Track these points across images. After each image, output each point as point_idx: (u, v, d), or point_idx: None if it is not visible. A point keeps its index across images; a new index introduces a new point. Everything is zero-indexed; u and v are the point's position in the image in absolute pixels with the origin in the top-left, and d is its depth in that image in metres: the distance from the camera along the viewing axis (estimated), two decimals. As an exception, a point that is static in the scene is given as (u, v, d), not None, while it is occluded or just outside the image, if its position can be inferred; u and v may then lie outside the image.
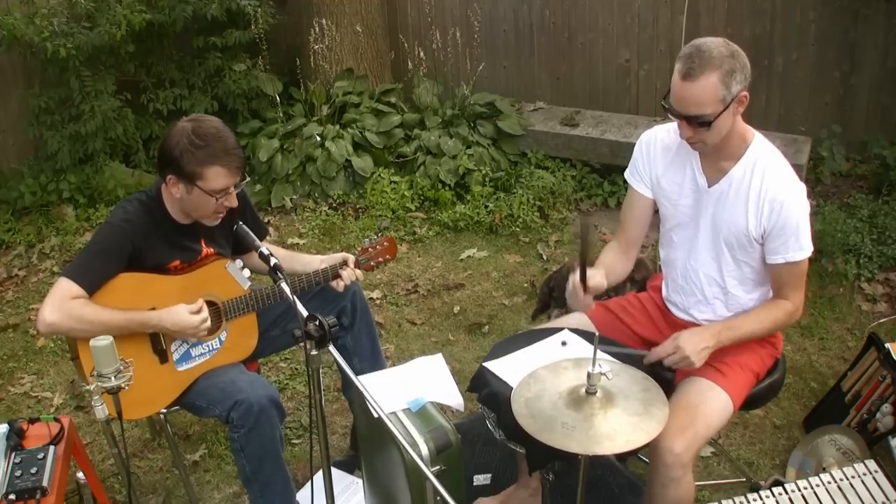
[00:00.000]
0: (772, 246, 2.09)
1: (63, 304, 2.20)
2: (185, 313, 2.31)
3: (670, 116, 2.05)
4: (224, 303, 2.45)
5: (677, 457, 2.00)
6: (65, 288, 2.22)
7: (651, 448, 2.06)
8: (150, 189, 2.41)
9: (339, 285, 2.57)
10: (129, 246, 2.30)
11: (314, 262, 2.61)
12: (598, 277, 2.19)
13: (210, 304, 2.44)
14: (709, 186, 2.16)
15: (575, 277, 2.17)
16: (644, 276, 2.94)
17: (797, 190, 2.06)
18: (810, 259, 2.14)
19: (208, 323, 2.36)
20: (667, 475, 2.02)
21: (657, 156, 2.27)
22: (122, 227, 2.30)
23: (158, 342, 2.35)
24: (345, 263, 2.56)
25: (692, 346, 2.05)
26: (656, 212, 2.35)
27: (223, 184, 2.29)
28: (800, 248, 2.07)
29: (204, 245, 2.47)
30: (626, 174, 2.37)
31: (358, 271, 2.58)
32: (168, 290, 2.36)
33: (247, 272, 2.45)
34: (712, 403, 2.11)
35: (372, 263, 2.68)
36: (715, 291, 2.24)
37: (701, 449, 2.12)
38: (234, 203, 2.37)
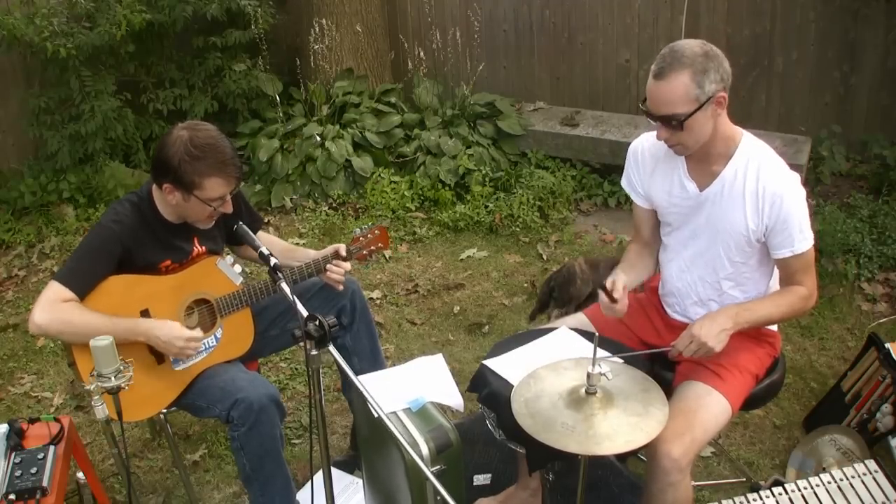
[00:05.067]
0: (776, 241, 2.08)
1: (52, 306, 2.20)
2: (178, 327, 2.30)
3: (648, 120, 2.05)
4: (217, 300, 2.45)
5: (675, 462, 1.99)
6: (55, 291, 2.22)
7: (648, 452, 2.06)
8: (141, 190, 2.41)
9: (337, 286, 2.58)
10: (119, 248, 2.30)
11: (311, 257, 2.61)
12: (619, 281, 2.18)
13: (203, 301, 2.45)
14: (700, 191, 2.15)
15: (602, 297, 2.18)
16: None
17: (793, 181, 2.06)
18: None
19: (198, 346, 2.36)
20: (664, 480, 2.01)
21: (645, 164, 2.28)
22: (112, 228, 2.30)
23: None
24: (336, 254, 2.57)
25: (707, 332, 2.03)
26: None
27: (220, 193, 2.30)
28: (804, 238, 2.06)
29: (196, 244, 2.48)
30: (623, 184, 2.37)
31: (346, 264, 2.58)
32: (159, 291, 2.36)
33: (238, 268, 2.46)
34: (710, 408, 2.10)
35: (364, 252, 2.67)
36: (710, 293, 2.24)
37: (699, 453, 2.12)
38: (230, 209, 2.37)
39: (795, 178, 2.07)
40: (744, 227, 2.09)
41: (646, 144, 2.28)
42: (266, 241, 2.67)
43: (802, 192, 2.07)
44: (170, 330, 2.29)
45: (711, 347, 2.03)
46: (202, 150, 2.23)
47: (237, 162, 2.32)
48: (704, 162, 2.14)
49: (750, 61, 4.74)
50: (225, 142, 2.30)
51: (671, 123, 1.99)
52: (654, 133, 2.25)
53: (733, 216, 2.11)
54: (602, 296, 2.17)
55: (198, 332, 2.35)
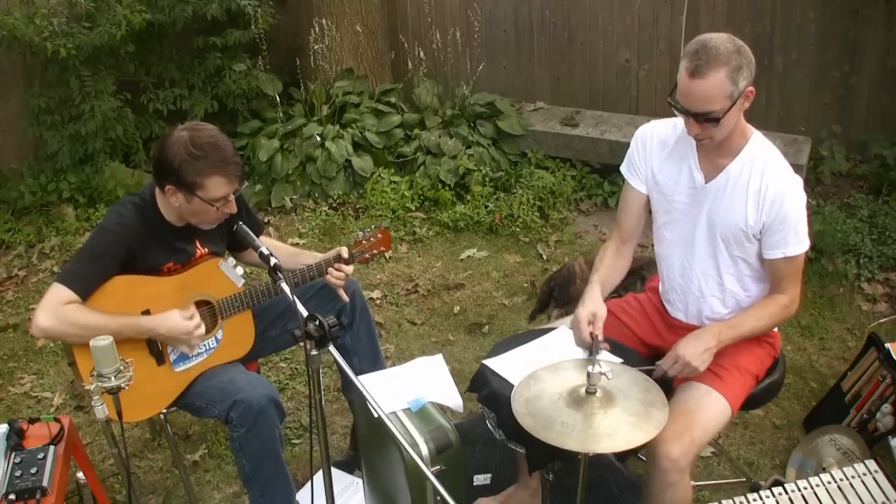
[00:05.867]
0: (771, 241, 2.09)
1: (56, 309, 2.20)
2: (178, 318, 2.30)
3: (676, 113, 2.05)
4: (219, 301, 2.45)
5: (674, 462, 2.00)
6: (58, 293, 2.22)
7: (648, 452, 2.07)
8: (143, 191, 2.41)
9: (340, 294, 2.58)
10: (123, 250, 2.29)
11: (316, 260, 2.61)
12: (600, 319, 2.18)
13: (205, 303, 2.45)
14: (705, 182, 2.16)
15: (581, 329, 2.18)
16: (654, 273, 2.94)
17: (796, 184, 2.07)
18: (809, 259, 2.14)
19: (202, 330, 2.36)
20: (664, 480, 2.02)
21: (653, 151, 2.26)
22: (117, 231, 2.29)
23: (155, 344, 2.35)
24: (339, 256, 2.56)
25: (691, 351, 2.05)
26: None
27: (223, 192, 2.29)
28: (798, 242, 2.07)
29: (198, 245, 2.47)
30: (622, 168, 2.35)
31: (348, 267, 2.58)
32: (162, 292, 2.36)
33: (240, 270, 2.46)
34: (710, 409, 2.11)
35: (366, 255, 2.67)
36: (712, 289, 2.24)
37: (698, 453, 2.12)
38: (234, 209, 2.36)
39: (799, 181, 2.08)
40: (743, 222, 2.10)
41: (655, 131, 2.27)
42: (270, 246, 2.67)
43: (804, 196, 2.07)
44: (172, 323, 2.29)
45: (696, 367, 2.05)
46: (203, 150, 2.23)
47: (238, 161, 2.32)
48: (714, 154, 2.14)
49: (750, 61, 4.74)
50: (225, 141, 2.30)
51: (707, 120, 1.98)
52: (665, 121, 2.25)
53: (734, 210, 2.11)
54: (581, 328, 2.16)
55: (196, 319, 2.35)
